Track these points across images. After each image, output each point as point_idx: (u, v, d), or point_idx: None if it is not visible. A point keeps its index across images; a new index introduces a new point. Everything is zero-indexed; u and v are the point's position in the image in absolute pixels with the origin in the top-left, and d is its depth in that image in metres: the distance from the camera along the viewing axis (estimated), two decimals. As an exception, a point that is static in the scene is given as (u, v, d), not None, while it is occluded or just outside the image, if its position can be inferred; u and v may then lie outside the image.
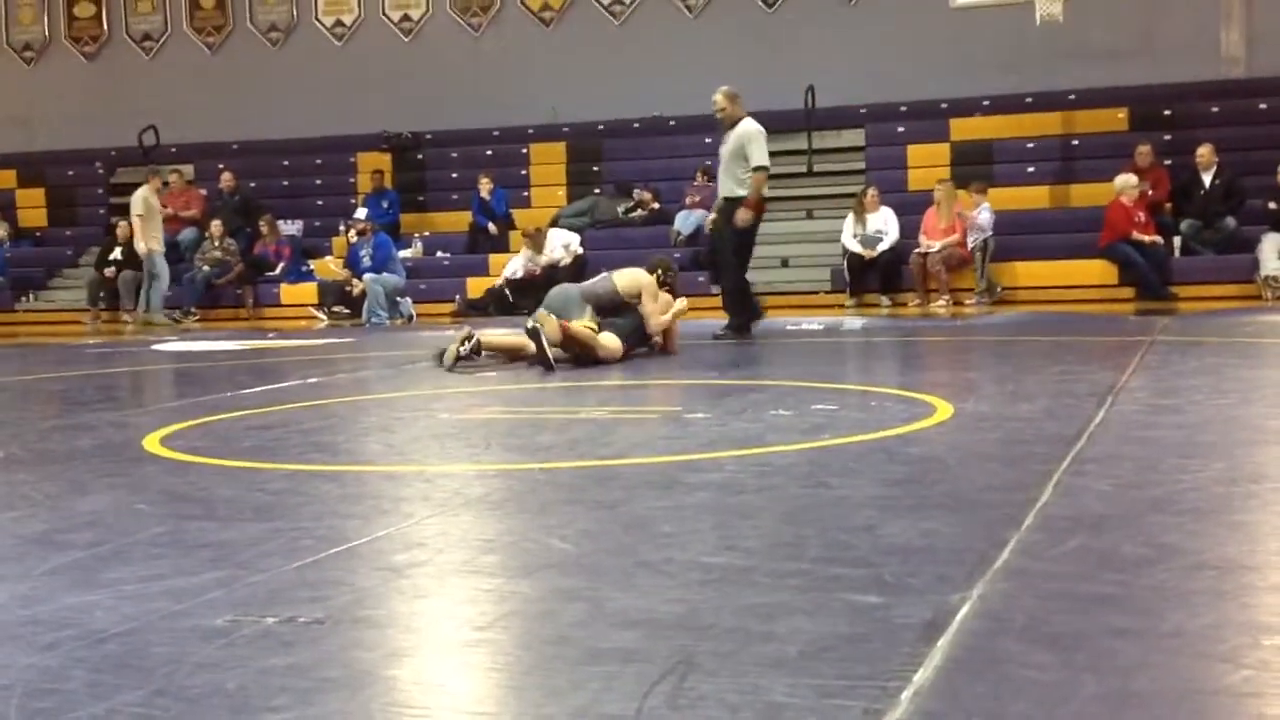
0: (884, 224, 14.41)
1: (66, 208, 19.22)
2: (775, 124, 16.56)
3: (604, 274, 8.91)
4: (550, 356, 7.87)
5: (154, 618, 2.66)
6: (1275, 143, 14.05)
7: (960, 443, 4.76)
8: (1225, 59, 15.54)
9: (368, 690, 2.22)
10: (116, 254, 16.69)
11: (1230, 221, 13.68)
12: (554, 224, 15.74)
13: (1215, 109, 15.14)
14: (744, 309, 10.04)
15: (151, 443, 5.26)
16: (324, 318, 15.32)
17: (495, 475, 4.40)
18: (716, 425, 5.40)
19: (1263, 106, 14.97)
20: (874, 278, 14.33)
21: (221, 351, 11.31)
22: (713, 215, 10.36)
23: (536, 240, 15.07)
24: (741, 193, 9.77)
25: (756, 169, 9.77)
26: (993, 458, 4.38)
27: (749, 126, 9.85)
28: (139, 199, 15.99)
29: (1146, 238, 13.46)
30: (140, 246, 15.93)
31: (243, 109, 18.63)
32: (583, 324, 8.17)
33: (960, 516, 3.42)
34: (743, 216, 9.77)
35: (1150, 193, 13.96)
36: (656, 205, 16.15)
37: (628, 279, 8.62)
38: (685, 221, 15.70)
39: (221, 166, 17.70)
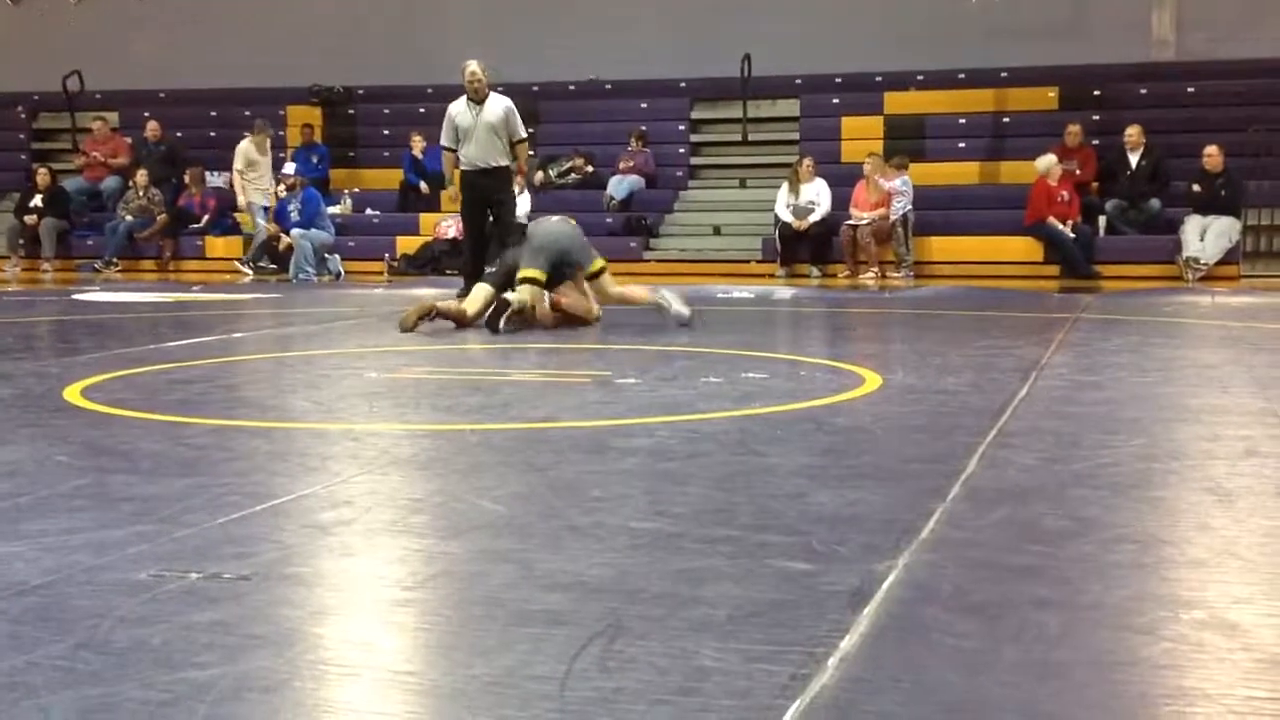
0: (817, 195, 14.45)
1: (-14, 152, 18.79)
2: (711, 91, 16.71)
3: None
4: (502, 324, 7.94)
5: (76, 570, 2.62)
6: (1202, 126, 14.26)
7: (888, 414, 4.81)
8: (1155, 41, 15.73)
9: (294, 647, 2.20)
10: (37, 201, 16.35)
11: (1155, 203, 13.88)
12: None
13: (1144, 90, 15.33)
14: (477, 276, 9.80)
15: (72, 394, 5.17)
16: (249, 272, 15.12)
17: (424, 435, 4.38)
18: (647, 391, 5.40)
19: (1191, 90, 15.17)
20: (805, 248, 14.39)
21: (144, 303, 11.13)
22: (455, 187, 10.21)
23: None
24: (504, 163, 9.87)
25: (523, 140, 10.05)
26: (919, 429, 4.43)
27: (506, 100, 10.02)
28: (240, 153, 15.37)
29: (1060, 224, 13.58)
30: (240, 200, 15.44)
31: (171, 57, 18.27)
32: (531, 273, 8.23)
33: (887, 486, 3.46)
34: (521, 183, 10.11)
35: (1078, 172, 14.13)
36: (590, 169, 16.10)
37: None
38: (619, 186, 15.68)
39: (147, 115, 17.37)
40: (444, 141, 10.04)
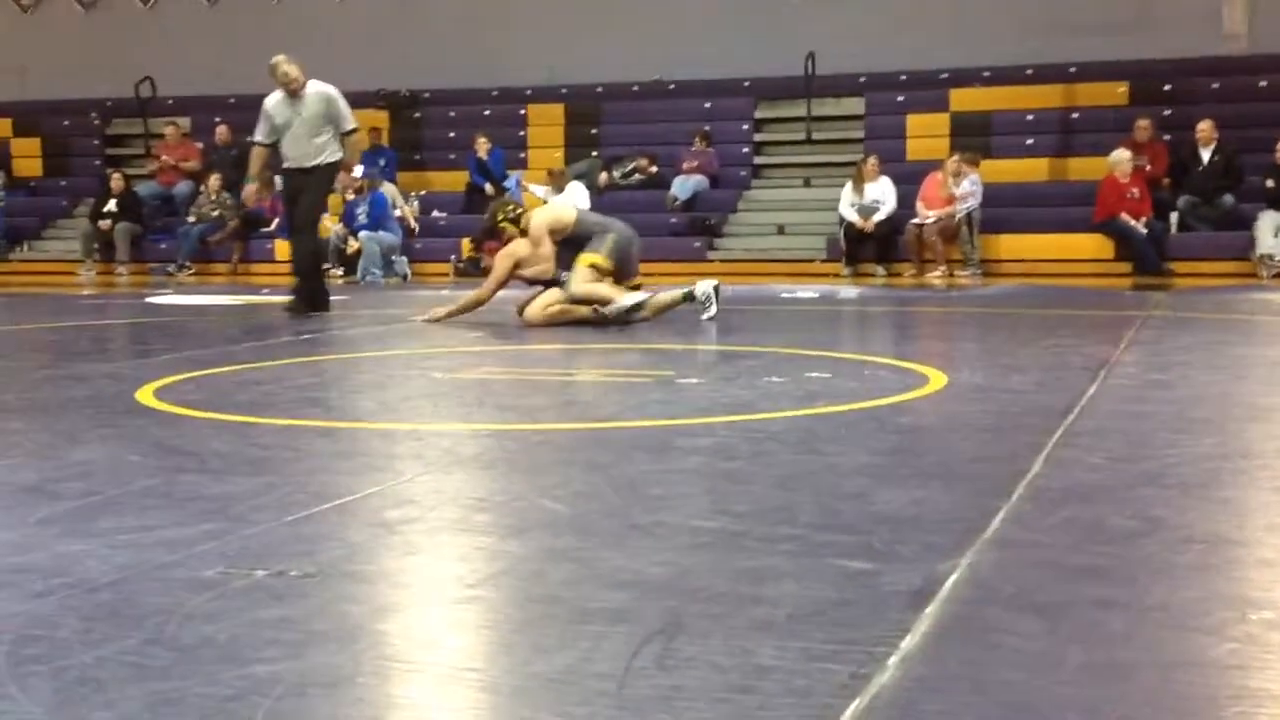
0: (882, 194, 14.38)
1: (61, 158, 19.12)
2: (775, 91, 16.68)
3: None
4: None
5: (146, 568, 2.67)
6: (1275, 120, 14.02)
7: (952, 413, 4.77)
8: (1227, 35, 15.49)
9: (357, 644, 2.23)
10: (111, 205, 16.64)
11: (1228, 199, 13.67)
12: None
13: (1216, 85, 15.11)
14: (317, 276, 9.73)
15: (144, 395, 5.26)
16: (319, 275, 15.26)
17: (488, 435, 4.41)
18: (710, 391, 5.40)
19: (1263, 84, 14.93)
20: (870, 247, 14.32)
21: (215, 306, 11.29)
22: (256, 185, 10.03)
23: (558, 181, 15.12)
24: (325, 160, 9.41)
25: (353, 130, 9.56)
26: (984, 429, 4.39)
27: (328, 89, 9.40)
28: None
29: (1131, 220, 13.41)
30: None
31: (240, 63, 18.45)
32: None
33: (950, 486, 3.43)
34: (345, 180, 9.45)
35: (1148, 168, 13.95)
36: (654, 170, 16.11)
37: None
38: (683, 187, 15.68)
39: (218, 120, 17.61)
40: (257, 136, 9.52)
